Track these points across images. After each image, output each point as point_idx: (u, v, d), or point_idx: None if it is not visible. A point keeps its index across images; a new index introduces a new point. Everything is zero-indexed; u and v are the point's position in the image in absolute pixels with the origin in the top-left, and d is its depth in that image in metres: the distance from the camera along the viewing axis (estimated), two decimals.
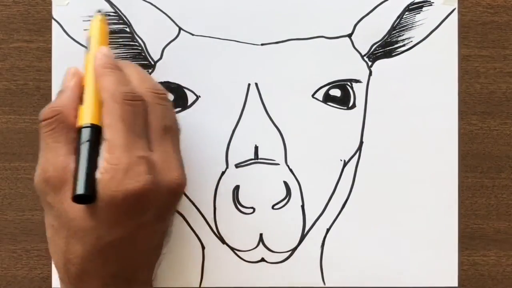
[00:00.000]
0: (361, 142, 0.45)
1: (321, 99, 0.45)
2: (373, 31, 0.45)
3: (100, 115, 0.37)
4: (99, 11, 0.41)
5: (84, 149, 0.36)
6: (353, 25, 0.45)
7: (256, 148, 0.44)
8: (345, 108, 0.45)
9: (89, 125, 0.36)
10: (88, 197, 0.35)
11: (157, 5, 0.45)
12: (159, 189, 0.36)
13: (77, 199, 0.35)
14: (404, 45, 0.45)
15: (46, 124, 0.37)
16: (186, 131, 0.45)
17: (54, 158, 0.37)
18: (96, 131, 0.36)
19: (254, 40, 0.45)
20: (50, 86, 0.45)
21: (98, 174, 0.35)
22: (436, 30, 0.45)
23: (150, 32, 0.45)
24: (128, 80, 0.38)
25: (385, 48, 0.45)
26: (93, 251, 0.36)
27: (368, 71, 0.45)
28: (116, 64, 0.39)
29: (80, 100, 0.38)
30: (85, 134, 0.36)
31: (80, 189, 0.34)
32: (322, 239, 0.45)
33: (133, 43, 0.45)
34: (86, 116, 0.37)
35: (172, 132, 0.39)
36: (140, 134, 0.37)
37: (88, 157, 0.35)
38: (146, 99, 0.38)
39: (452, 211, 0.45)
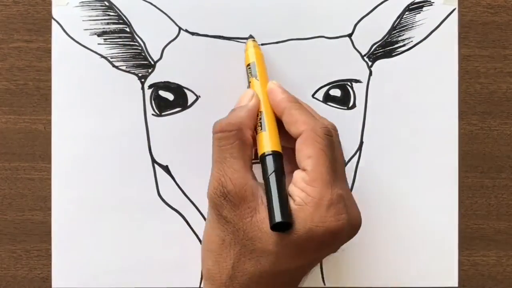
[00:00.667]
0: (361, 142, 0.45)
1: (321, 99, 0.45)
2: (373, 31, 0.45)
3: (279, 144, 0.37)
4: (251, 37, 0.44)
5: (273, 177, 0.36)
6: (353, 25, 0.45)
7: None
8: (345, 108, 0.45)
9: (274, 152, 0.37)
10: (285, 225, 0.34)
11: (157, 5, 0.45)
12: (349, 227, 0.36)
13: (275, 226, 0.34)
14: (404, 45, 0.45)
15: (224, 137, 0.38)
16: (186, 131, 0.45)
17: (232, 174, 0.37)
18: (281, 159, 0.37)
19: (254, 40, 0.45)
20: (50, 86, 0.45)
21: (293, 204, 0.35)
22: (436, 30, 0.45)
23: (150, 32, 0.45)
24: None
25: (385, 48, 0.45)
26: (264, 274, 0.36)
27: (368, 71, 0.45)
28: (296, 98, 0.40)
29: (254, 122, 0.39)
30: (272, 161, 0.36)
31: (278, 217, 0.34)
32: None
33: (133, 43, 0.45)
34: (271, 143, 0.37)
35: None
36: (337, 170, 0.37)
37: (277, 184, 0.35)
38: None
39: (452, 211, 0.45)
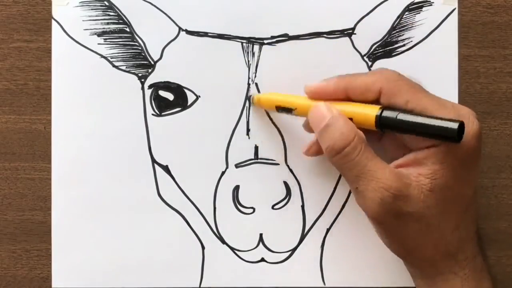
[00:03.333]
0: None
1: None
2: (373, 31, 0.45)
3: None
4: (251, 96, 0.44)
5: (404, 113, 0.36)
6: (353, 25, 0.45)
7: (256, 148, 0.44)
8: None
9: (381, 108, 0.37)
10: (459, 131, 0.35)
11: (157, 5, 0.45)
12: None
13: (459, 134, 0.35)
14: (404, 45, 0.45)
15: (352, 148, 0.37)
16: (186, 131, 0.45)
17: (384, 173, 0.36)
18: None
19: (254, 40, 0.45)
20: (50, 86, 0.45)
21: None
22: (436, 30, 0.45)
23: (150, 32, 0.45)
24: None
25: (385, 48, 0.45)
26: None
27: (368, 71, 0.45)
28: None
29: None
30: (389, 110, 0.37)
31: (453, 124, 0.35)
32: (322, 239, 0.45)
33: (133, 43, 0.45)
34: (370, 109, 0.37)
35: None
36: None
37: (414, 113, 0.36)
38: None
39: None
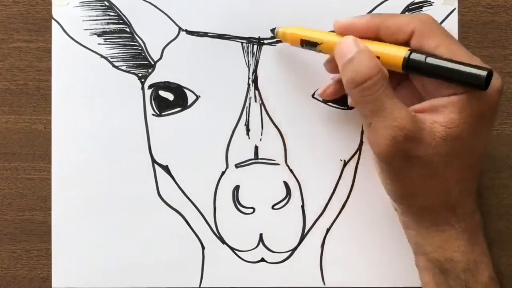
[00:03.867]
0: (361, 142, 0.45)
1: (321, 99, 0.45)
2: None
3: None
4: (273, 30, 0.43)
5: (434, 57, 0.36)
6: None
7: (256, 148, 0.44)
8: (345, 108, 0.45)
9: (410, 50, 0.37)
10: (488, 78, 0.35)
11: (157, 5, 0.45)
12: None
13: (487, 80, 0.35)
14: None
15: (374, 83, 0.36)
16: (186, 131, 0.45)
17: (401, 112, 0.36)
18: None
19: (254, 40, 0.45)
20: (50, 86, 0.45)
21: None
22: None
23: (150, 32, 0.45)
24: None
25: None
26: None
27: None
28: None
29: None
30: (417, 53, 0.36)
31: (482, 72, 0.35)
32: (322, 239, 0.45)
33: (133, 43, 0.45)
34: (398, 49, 0.37)
35: None
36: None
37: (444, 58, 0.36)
38: None
39: None
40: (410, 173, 0.37)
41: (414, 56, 0.36)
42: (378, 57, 0.37)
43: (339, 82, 0.41)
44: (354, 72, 0.37)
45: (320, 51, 0.41)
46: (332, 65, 0.41)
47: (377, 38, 0.39)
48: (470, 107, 0.36)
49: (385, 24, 0.38)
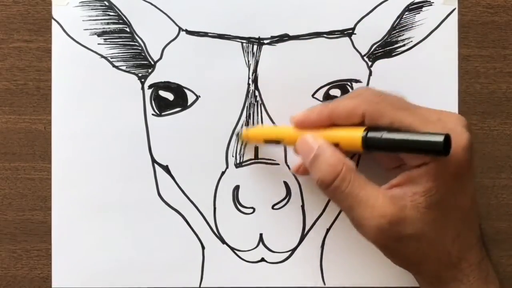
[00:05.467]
0: None
1: (321, 99, 0.45)
2: (373, 31, 0.45)
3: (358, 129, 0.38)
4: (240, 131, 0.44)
5: (389, 132, 0.36)
6: (353, 25, 0.45)
7: (256, 148, 0.44)
8: None
9: (365, 129, 0.37)
10: (446, 144, 0.34)
11: (157, 5, 0.45)
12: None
13: (445, 146, 0.34)
14: (404, 45, 0.45)
15: (341, 180, 0.37)
16: (186, 131, 0.45)
17: (379, 199, 0.36)
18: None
19: (254, 40, 0.45)
20: (50, 86, 0.45)
21: None
22: (436, 30, 0.45)
23: (150, 32, 0.45)
24: None
25: (385, 48, 0.45)
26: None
27: (368, 71, 0.45)
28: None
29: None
30: (373, 130, 0.37)
31: (439, 137, 0.34)
32: (322, 239, 0.45)
33: (133, 43, 0.45)
34: (353, 131, 0.37)
35: None
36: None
37: (401, 132, 0.36)
38: None
39: None
40: (408, 250, 0.37)
41: (371, 134, 0.37)
42: (338, 144, 0.38)
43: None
44: (321, 173, 0.37)
45: (285, 146, 0.42)
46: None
47: (334, 125, 0.39)
48: (443, 172, 0.36)
49: (335, 112, 0.39)
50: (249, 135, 0.44)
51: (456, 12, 0.45)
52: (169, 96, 0.45)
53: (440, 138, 0.34)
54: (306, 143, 0.39)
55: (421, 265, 0.38)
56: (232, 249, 0.45)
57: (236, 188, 0.44)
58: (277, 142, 0.42)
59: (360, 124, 0.38)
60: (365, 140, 0.37)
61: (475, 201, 0.39)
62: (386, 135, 0.36)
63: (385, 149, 0.37)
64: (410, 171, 0.37)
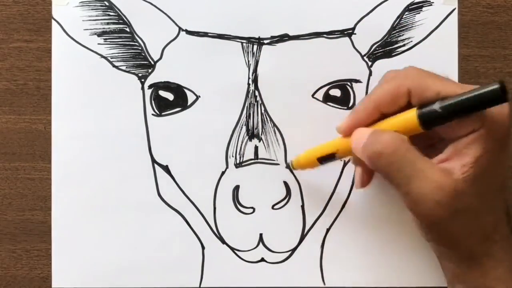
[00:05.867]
0: None
1: (321, 99, 0.45)
2: (373, 31, 0.45)
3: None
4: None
5: (442, 101, 0.36)
6: (353, 25, 0.45)
7: (256, 148, 0.44)
8: (345, 108, 0.45)
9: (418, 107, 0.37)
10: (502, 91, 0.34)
11: (157, 5, 0.45)
12: None
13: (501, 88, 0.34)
14: (404, 45, 0.45)
15: (400, 150, 0.36)
16: (186, 131, 0.45)
17: (437, 173, 0.36)
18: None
19: (254, 40, 0.45)
20: (50, 86, 0.45)
21: None
22: (436, 30, 0.45)
23: (150, 32, 0.45)
24: None
25: (385, 48, 0.45)
26: None
27: (368, 71, 0.45)
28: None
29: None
30: (430, 107, 0.36)
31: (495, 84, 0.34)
32: (322, 239, 0.45)
33: (133, 43, 0.45)
34: (409, 113, 0.37)
35: None
36: None
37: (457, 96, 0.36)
38: None
39: None
40: (454, 225, 0.37)
41: (425, 110, 0.36)
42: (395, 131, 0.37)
43: (368, 169, 0.41)
44: (379, 145, 0.37)
45: (341, 158, 0.41)
46: (359, 160, 0.40)
47: (383, 115, 0.39)
48: (491, 138, 0.36)
49: (380, 100, 0.38)
50: (301, 161, 0.43)
51: (456, 12, 0.45)
52: (169, 96, 0.45)
53: (496, 86, 0.34)
54: (360, 133, 0.38)
55: (461, 240, 0.37)
56: (232, 249, 0.45)
57: (236, 188, 0.44)
58: (332, 156, 0.41)
59: (408, 105, 0.37)
60: (422, 117, 0.36)
61: (507, 173, 0.39)
62: (440, 103, 0.35)
63: (443, 118, 0.36)
64: (457, 142, 0.36)
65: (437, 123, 0.36)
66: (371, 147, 0.37)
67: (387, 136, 0.37)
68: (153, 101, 0.45)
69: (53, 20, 0.45)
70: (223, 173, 0.45)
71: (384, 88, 0.39)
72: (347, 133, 0.40)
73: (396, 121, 0.38)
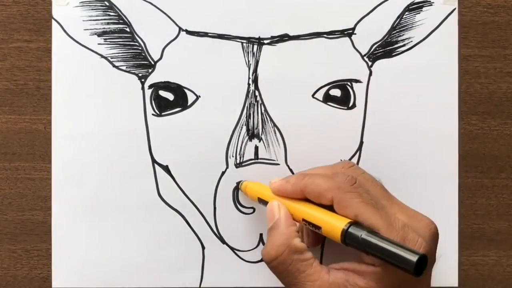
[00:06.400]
0: (361, 142, 0.45)
1: (321, 99, 0.45)
2: (373, 31, 0.45)
3: (343, 217, 0.37)
4: (239, 182, 0.44)
5: (371, 234, 0.35)
6: (353, 25, 0.45)
7: (256, 148, 0.44)
8: (345, 108, 0.45)
9: (349, 223, 0.36)
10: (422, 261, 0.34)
11: (157, 5, 0.45)
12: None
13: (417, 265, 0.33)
14: (404, 45, 0.45)
15: (280, 262, 0.37)
16: (186, 131, 0.45)
17: (319, 282, 0.36)
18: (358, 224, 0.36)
19: (254, 40, 0.45)
20: (50, 86, 0.45)
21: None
22: (436, 30, 0.45)
23: (150, 32, 0.45)
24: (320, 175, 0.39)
25: (385, 48, 0.45)
26: None
27: (368, 71, 0.45)
28: (300, 174, 0.40)
29: (294, 227, 0.38)
30: (356, 227, 0.36)
31: (414, 256, 0.33)
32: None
33: (133, 43, 0.45)
34: (339, 220, 0.36)
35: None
36: (379, 201, 0.38)
37: (382, 237, 0.35)
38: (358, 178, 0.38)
39: (452, 211, 0.45)
40: None
41: (352, 230, 0.36)
42: (320, 227, 0.37)
43: (310, 232, 0.42)
44: (265, 250, 0.38)
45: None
46: None
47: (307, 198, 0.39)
48: (388, 278, 0.36)
49: (308, 189, 0.39)
50: (247, 189, 0.43)
51: (456, 12, 0.45)
52: (169, 96, 0.45)
53: (414, 258, 0.33)
54: (270, 210, 0.39)
55: None
56: (232, 249, 0.45)
57: (236, 188, 0.44)
58: (263, 202, 0.41)
59: (331, 203, 0.38)
60: (345, 235, 0.36)
61: None
62: (365, 236, 0.35)
63: (362, 249, 0.36)
64: (358, 264, 0.37)
65: (354, 247, 0.36)
66: (265, 245, 0.38)
67: (280, 242, 0.37)
68: (153, 101, 0.45)
69: (53, 20, 0.45)
70: (223, 173, 0.45)
71: (316, 182, 0.38)
72: (275, 193, 0.40)
73: (326, 219, 0.37)
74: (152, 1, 0.45)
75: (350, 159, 0.45)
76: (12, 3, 0.45)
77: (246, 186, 0.43)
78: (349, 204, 0.37)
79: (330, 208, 0.38)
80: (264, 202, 0.41)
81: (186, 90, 0.45)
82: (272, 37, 0.45)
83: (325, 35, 0.45)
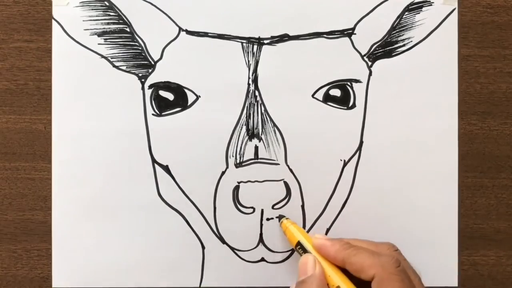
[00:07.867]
0: (361, 142, 0.45)
1: (321, 99, 0.45)
2: (373, 31, 0.45)
3: None
4: (282, 216, 0.44)
5: None
6: (353, 25, 0.45)
7: (256, 148, 0.45)
8: (345, 108, 0.45)
9: None
10: None
11: (157, 5, 0.45)
12: None
13: None
14: (404, 45, 0.45)
15: None
16: (186, 131, 0.45)
17: None
18: None
19: (254, 40, 0.45)
20: (50, 86, 0.45)
21: None
22: (436, 30, 0.45)
23: (150, 32, 0.45)
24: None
25: (385, 48, 0.45)
26: None
27: (368, 71, 0.45)
28: (347, 242, 0.40)
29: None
30: None
31: None
32: None
33: (133, 43, 0.45)
34: None
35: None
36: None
37: None
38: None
39: (452, 211, 0.45)
40: None
41: None
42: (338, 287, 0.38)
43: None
44: None
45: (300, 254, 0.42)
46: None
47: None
48: None
49: (349, 260, 0.39)
50: (287, 232, 0.43)
51: (456, 12, 0.45)
52: (169, 96, 0.45)
53: None
54: (305, 263, 0.40)
55: None
56: (232, 249, 0.45)
57: (236, 188, 0.44)
58: (304, 249, 0.41)
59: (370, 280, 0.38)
60: None
61: None
62: None
63: None
64: None
65: None
66: None
67: None
68: (153, 101, 0.45)
69: (53, 20, 0.45)
70: (223, 173, 0.45)
71: (360, 256, 0.39)
72: (315, 248, 0.41)
73: None
74: (152, 1, 0.45)
75: (350, 159, 0.45)
76: (12, 3, 0.45)
77: (288, 227, 0.43)
78: (389, 285, 0.37)
79: (367, 284, 0.38)
80: (301, 249, 0.41)
81: (186, 90, 0.45)
82: (272, 37, 0.45)
83: (325, 35, 0.45)
